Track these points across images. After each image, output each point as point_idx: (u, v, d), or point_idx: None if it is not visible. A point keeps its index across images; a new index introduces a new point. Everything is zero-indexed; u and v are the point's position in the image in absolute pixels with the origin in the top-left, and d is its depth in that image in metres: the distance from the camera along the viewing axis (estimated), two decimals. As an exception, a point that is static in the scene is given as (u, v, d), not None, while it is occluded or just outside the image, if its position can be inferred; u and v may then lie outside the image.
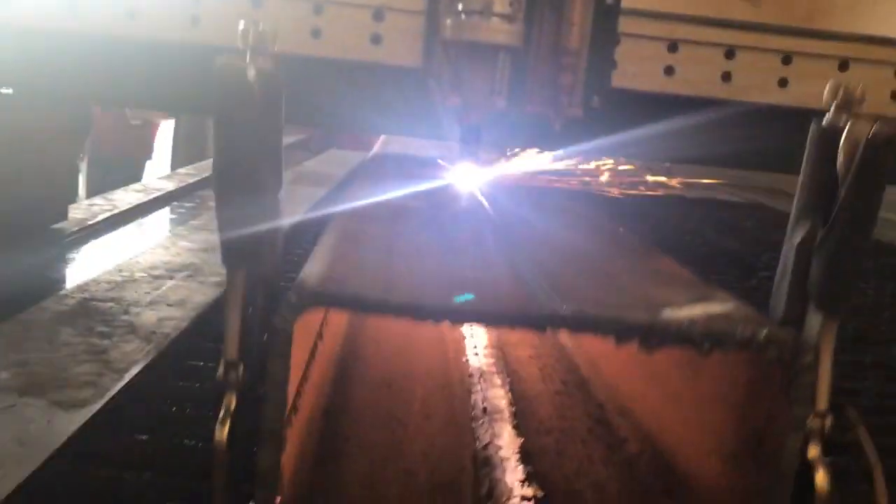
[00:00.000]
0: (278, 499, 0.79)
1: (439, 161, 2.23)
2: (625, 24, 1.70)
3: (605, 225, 1.41)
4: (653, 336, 0.77)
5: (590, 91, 1.77)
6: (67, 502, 1.00)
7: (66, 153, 2.36)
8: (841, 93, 0.86)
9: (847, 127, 0.83)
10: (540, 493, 1.02)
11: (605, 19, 1.71)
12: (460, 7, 1.71)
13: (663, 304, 0.86)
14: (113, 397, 1.23)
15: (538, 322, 0.76)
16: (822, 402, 0.83)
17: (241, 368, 0.82)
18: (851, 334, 2.14)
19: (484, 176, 2.21)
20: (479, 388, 1.36)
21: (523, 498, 1.02)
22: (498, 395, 1.35)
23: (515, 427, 1.21)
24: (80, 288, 1.77)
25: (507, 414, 1.27)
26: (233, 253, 0.82)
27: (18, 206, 2.07)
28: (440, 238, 1.11)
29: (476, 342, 1.60)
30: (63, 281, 1.86)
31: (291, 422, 0.86)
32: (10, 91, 1.90)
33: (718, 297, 0.92)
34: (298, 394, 0.92)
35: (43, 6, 1.58)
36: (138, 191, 3.35)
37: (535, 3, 1.73)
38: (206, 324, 1.59)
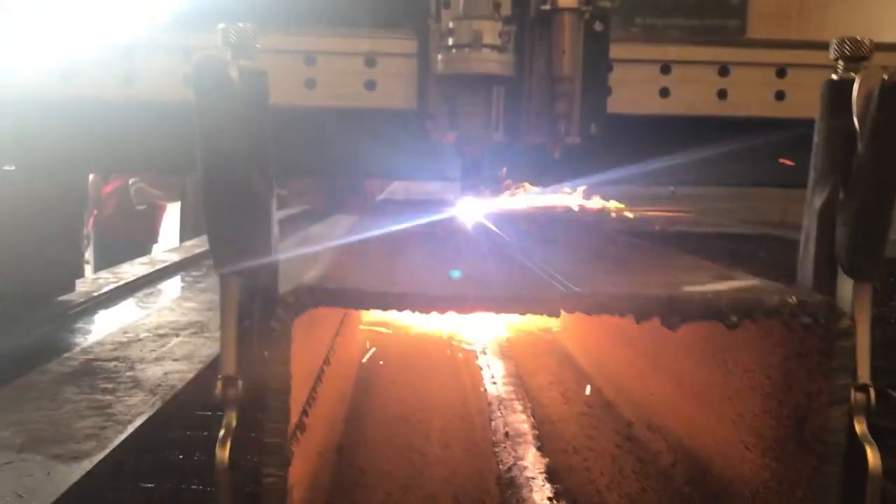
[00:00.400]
0: (288, 520, 0.73)
1: (442, 199, 2.22)
2: (616, 51, 1.69)
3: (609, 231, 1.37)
4: (675, 310, 0.72)
5: (587, 118, 1.76)
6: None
7: (67, 224, 2.35)
8: (849, 45, 0.83)
9: (859, 79, 0.79)
10: (570, 509, 0.95)
11: (597, 46, 1.70)
12: (451, 42, 1.71)
13: (685, 283, 0.81)
14: (115, 448, 1.17)
15: (552, 304, 0.71)
16: (864, 375, 0.77)
17: (239, 384, 0.77)
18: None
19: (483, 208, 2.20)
20: (498, 414, 1.30)
21: (553, 514, 0.95)
22: (519, 420, 1.28)
23: (539, 449, 1.15)
24: (85, 350, 1.72)
25: (530, 437, 1.20)
26: (225, 260, 0.77)
27: (24, 278, 2.05)
28: (443, 248, 1.07)
29: (493, 372, 1.54)
30: (67, 346, 1.82)
31: (298, 438, 0.81)
32: (13, 168, 1.90)
33: (743, 277, 0.87)
34: (305, 413, 0.87)
35: (38, 77, 1.58)
36: (144, 263, 3.33)
37: (525, 33, 1.73)
38: (215, 375, 1.54)
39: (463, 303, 0.70)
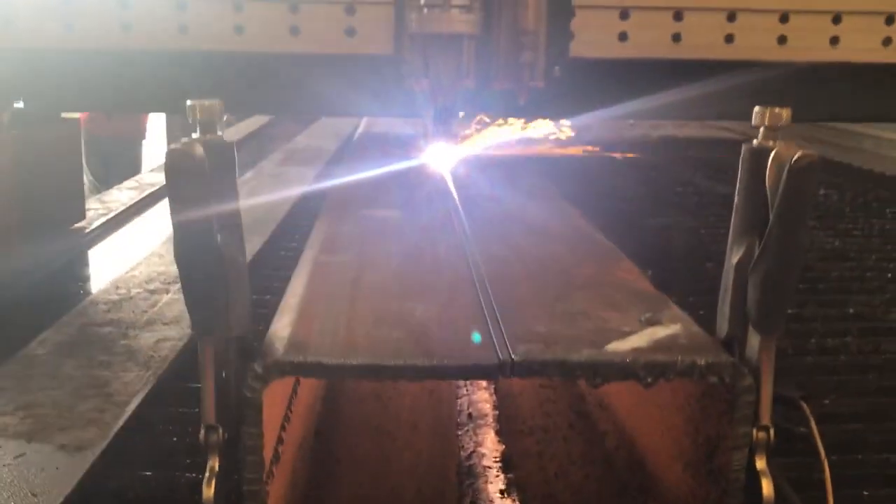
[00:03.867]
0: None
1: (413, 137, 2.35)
2: None
3: (573, 221, 1.45)
4: (597, 374, 0.83)
5: (551, 62, 1.87)
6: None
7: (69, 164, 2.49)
8: (768, 116, 0.89)
9: (773, 154, 0.87)
10: (518, 504, 1.09)
11: None
12: (422, 1, 1.78)
13: (612, 330, 0.91)
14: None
15: (490, 373, 0.82)
16: (766, 417, 0.88)
17: (220, 431, 0.88)
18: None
19: (455, 153, 2.30)
20: (464, 392, 1.42)
21: (503, 510, 1.09)
22: (483, 398, 1.41)
23: (497, 433, 1.28)
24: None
25: (491, 418, 1.33)
26: (202, 326, 0.87)
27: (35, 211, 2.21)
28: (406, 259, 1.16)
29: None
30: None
31: (273, 473, 0.93)
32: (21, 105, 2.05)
33: (667, 316, 0.97)
34: (280, 440, 0.99)
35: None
36: (132, 188, 3.39)
37: (493, 7, 1.82)
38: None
39: (413, 373, 0.80)
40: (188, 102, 0.89)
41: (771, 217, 0.86)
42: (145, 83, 2.02)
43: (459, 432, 1.29)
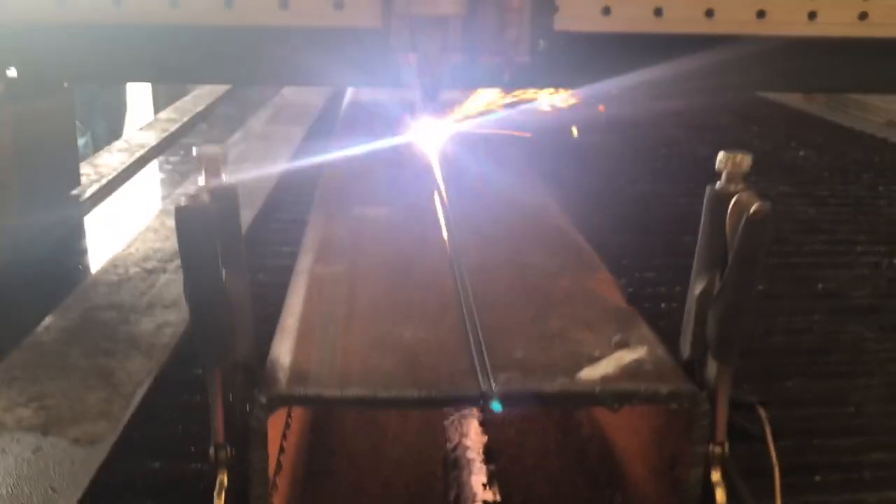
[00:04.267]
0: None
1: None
2: None
3: (555, 221, 1.53)
4: (569, 402, 0.92)
5: (536, 36, 1.95)
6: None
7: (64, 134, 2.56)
8: (730, 164, 0.97)
9: (733, 202, 0.95)
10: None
11: None
12: None
13: (585, 355, 1.00)
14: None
15: (475, 402, 0.91)
16: (721, 434, 0.98)
17: (228, 449, 0.97)
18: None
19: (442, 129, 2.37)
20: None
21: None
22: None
23: (482, 423, 1.37)
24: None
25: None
26: (210, 357, 0.95)
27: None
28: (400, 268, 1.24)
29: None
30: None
31: (277, 484, 1.02)
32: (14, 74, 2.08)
33: (636, 337, 1.06)
34: (281, 449, 1.08)
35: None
36: (122, 150, 3.43)
37: None
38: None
39: (404, 404, 0.90)
40: (194, 150, 0.95)
41: (729, 258, 0.94)
42: (136, 56, 2.08)
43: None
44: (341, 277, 1.23)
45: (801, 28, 1.94)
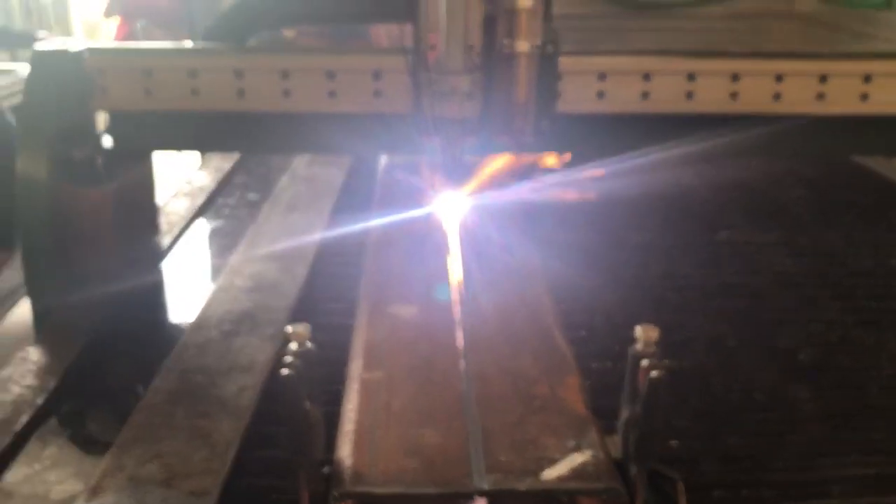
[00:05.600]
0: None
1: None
2: (564, 64, 2.35)
3: (542, 320, 2.00)
4: (534, 500, 1.41)
5: (540, 119, 2.47)
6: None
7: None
8: (643, 335, 1.44)
9: (643, 361, 1.42)
10: None
11: (549, 63, 2.39)
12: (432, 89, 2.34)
13: (548, 459, 1.48)
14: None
15: (473, 499, 1.41)
16: (639, 513, 1.46)
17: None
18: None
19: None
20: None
21: None
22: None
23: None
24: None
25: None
26: (298, 463, 1.44)
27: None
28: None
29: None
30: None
31: None
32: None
33: (587, 442, 1.53)
34: None
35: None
36: (186, 194, 3.91)
37: (492, 82, 2.38)
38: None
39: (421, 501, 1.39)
40: (287, 329, 1.44)
41: (637, 407, 1.42)
42: (209, 132, 2.69)
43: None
44: (381, 384, 1.72)
45: (768, 107, 2.46)
